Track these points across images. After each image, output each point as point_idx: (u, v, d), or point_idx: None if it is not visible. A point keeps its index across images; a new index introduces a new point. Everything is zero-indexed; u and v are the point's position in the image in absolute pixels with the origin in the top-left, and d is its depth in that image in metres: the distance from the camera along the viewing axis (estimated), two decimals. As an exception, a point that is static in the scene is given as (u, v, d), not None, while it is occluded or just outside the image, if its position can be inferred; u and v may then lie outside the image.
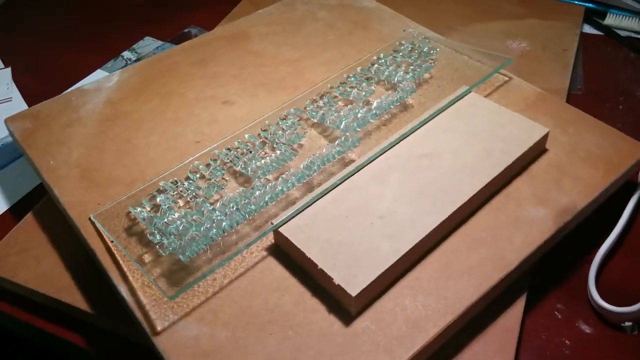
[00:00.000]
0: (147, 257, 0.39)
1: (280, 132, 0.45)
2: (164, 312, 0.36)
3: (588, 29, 0.74)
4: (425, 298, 0.36)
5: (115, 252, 0.39)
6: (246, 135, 0.46)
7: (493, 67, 0.51)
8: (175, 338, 0.35)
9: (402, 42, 0.54)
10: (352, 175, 0.41)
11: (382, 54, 0.53)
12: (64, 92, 0.53)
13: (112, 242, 0.40)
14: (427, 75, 0.52)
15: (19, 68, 0.71)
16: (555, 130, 0.47)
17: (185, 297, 0.37)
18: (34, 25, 0.79)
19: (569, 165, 0.44)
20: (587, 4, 0.74)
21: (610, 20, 0.74)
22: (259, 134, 0.46)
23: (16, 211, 0.53)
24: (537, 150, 0.45)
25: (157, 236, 0.38)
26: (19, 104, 0.65)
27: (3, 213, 0.53)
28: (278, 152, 0.44)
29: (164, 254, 0.38)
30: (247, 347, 0.34)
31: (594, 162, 0.44)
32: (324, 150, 0.43)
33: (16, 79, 0.69)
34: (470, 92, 0.48)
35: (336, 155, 0.43)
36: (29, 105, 0.65)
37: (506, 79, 0.52)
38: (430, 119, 0.46)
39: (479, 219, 0.41)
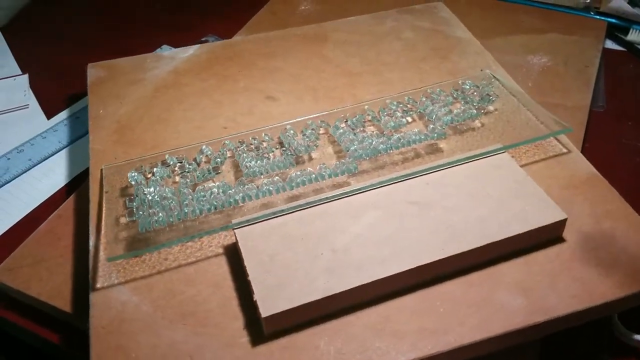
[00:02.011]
0: (123, 220, 0.42)
1: (292, 139, 0.46)
2: (110, 273, 0.39)
3: (610, 44, 0.71)
4: (343, 346, 0.35)
5: (104, 205, 0.43)
6: (263, 134, 0.47)
7: (548, 132, 0.46)
8: (107, 297, 0.37)
9: (467, 81, 0.51)
10: (333, 201, 0.40)
11: (438, 89, 0.50)
12: (143, 54, 0.58)
13: (105, 194, 0.43)
14: (477, 124, 0.48)
15: (36, 74, 0.69)
16: (586, 220, 0.41)
17: (135, 266, 0.39)
18: (51, 31, 0.78)
19: (580, 263, 0.38)
20: (609, 19, 0.71)
21: (633, 36, 0.71)
22: (278, 137, 0.47)
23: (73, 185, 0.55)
24: (548, 236, 0.39)
25: (135, 202, 0.41)
26: (35, 111, 0.63)
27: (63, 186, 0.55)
28: (277, 158, 0.44)
29: (128, 219, 0.41)
30: (158, 329, 0.36)
31: (612, 268, 0.38)
32: (317, 168, 0.42)
33: (33, 85, 0.67)
34: (504, 152, 0.44)
35: (326, 177, 0.42)
36: (45, 111, 0.63)
37: (564, 150, 0.46)
38: (444, 168, 0.42)
39: (443, 287, 0.37)
